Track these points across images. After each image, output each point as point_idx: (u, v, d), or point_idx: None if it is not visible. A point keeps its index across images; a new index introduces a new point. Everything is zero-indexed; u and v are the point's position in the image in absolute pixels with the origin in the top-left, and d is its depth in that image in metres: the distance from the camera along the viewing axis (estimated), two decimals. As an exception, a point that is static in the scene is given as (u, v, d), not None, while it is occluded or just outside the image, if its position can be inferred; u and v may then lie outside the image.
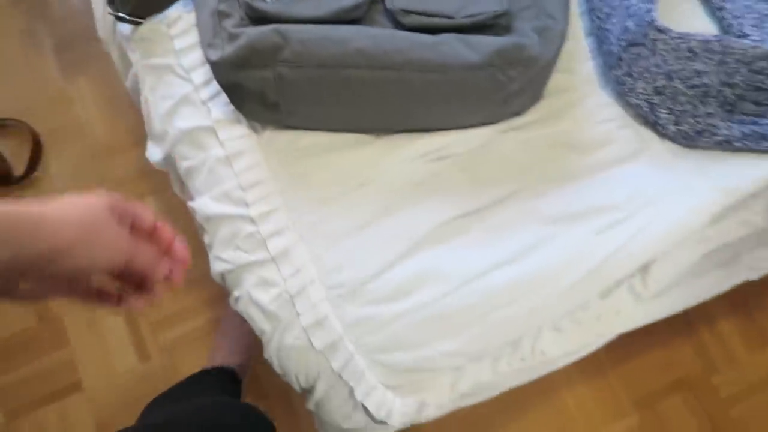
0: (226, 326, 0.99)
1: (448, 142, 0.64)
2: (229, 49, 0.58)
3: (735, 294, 1.08)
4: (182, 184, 0.77)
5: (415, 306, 0.60)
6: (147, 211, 0.39)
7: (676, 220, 0.58)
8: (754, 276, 0.86)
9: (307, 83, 0.58)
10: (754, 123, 0.60)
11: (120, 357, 1.01)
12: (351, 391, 0.61)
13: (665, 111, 0.61)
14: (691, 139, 0.61)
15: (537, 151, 0.64)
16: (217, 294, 1.03)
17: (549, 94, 0.65)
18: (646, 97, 0.61)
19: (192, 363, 1.00)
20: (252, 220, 0.64)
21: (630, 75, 0.61)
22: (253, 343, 0.94)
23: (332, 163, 0.64)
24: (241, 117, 0.66)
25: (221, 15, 0.60)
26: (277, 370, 0.65)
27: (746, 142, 0.59)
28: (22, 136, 1.10)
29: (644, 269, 0.64)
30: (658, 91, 0.61)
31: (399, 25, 0.60)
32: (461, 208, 0.62)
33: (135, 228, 0.39)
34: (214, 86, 0.66)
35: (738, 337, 1.07)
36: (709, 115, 0.60)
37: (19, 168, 1.07)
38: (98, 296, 0.39)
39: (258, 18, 0.59)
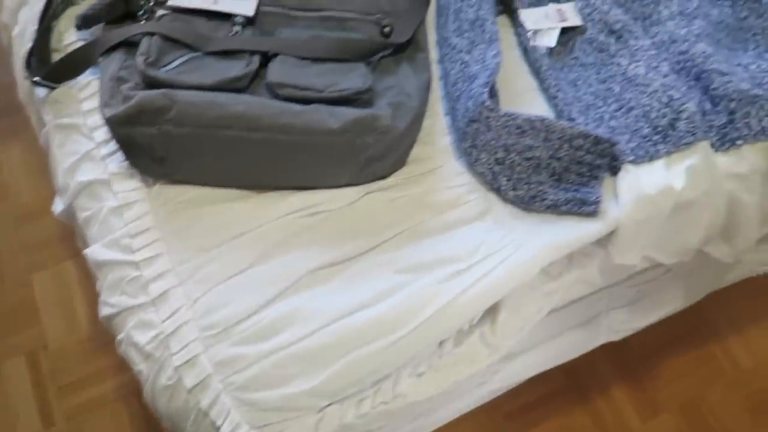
0: None
1: (321, 199, 0.72)
2: (121, 108, 0.66)
3: (623, 360, 1.14)
4: (83, 236, 0.82)
5: (279, 345, 0.64)
6: None
7: (509, 272, 0.66)
8: (615, 338, 0.94)
9: (189, 141, 0.67)
10: (576, 191, 0.70)
11: (24, 421, 0.99)
12: (218, 430, 0.63)
13: (505, 178, 0.71)
14: (526, 203, 0.71)
15: (399, 210, 0.72)
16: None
17: (412, 161, 0.75)
18: (489, 166, 0.71)
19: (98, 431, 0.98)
20: (137, 266, 0.69)
21: (475, 147, 0.72)
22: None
23: (214, 214, 0.70)
24: (135, 172, 0.73)
25: (120, 80, 0.69)
26: (154, 411, 0.67)
27: (570, 206, 0.69)
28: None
29: (493, 320, 0.71)
30: (498, 162, 0.71)
31: (276, 96, 0.69)
32: (328, 259, 0.69)
33: None
34: (114, 144, 0.73)
35: (630, 406, 1.12)
36: (540, 183, 0.70)
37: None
38: None
39: (151, 84, 0.68)
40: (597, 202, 0.69)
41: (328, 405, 0.66)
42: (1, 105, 1.25)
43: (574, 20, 0.82)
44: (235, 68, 0.70)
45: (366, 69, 0.73)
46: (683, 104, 0.72)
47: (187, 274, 0.68)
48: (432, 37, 0.84)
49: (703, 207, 0.73)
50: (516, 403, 1.06)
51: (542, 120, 0.69)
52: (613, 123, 0.74)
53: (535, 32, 0.81)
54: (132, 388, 1.03)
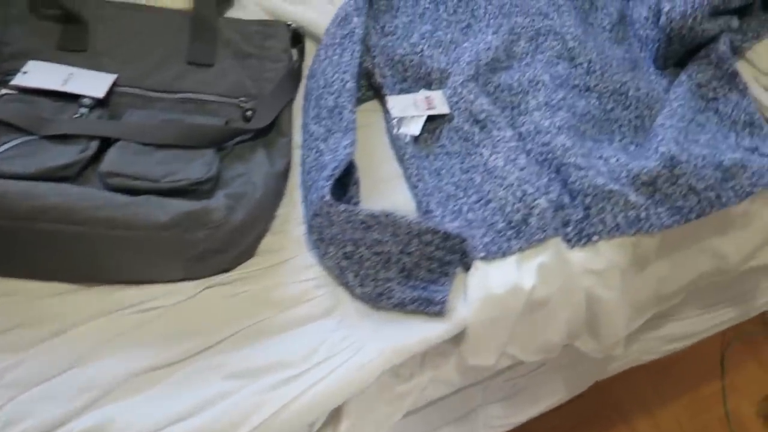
0: None
1: (156, 294, 0.67)
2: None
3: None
4: None
5: (87, 462, 0.58)
6: None
7: (346, 378, 0.62)
8: (494, 434, 0.90)
9: (2, 234, 0.61)
10: (424, 289, 0.67)
11: None
12: None
13: (352, 274, 0.67)
14: (373, 300, 0.67)
15: (240, 307, 0.67)
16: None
17: (262, 252, 0.71)
18: (337, 261, 0.68)
19: None
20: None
21: (322, 240, 0.68)
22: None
23: (32, 310, 0.65)
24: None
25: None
26: None
27: (416, 306, 0.66)
28: None
29: (335, 426, 0.65)
30: (346, 256, 0.68)
31: (107, 186, 0.65)
32: (155, 361, 0.63)
33: None
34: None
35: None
36: (388, 279, 0.67)
37: None
38: None
39: (-30, 171, 0.63)
40: (443, 302, 0.66)
41: None
42: None
43: (442, 108, 0.81)
44: (66, 155, 0.66)
45: (213, 156, 0.70)
46: (535, 200, 0.71)
47: (-5, 377, 0.62)
48: (299, 120, 0.82)
49: (560, 304, 0.70)
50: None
51: (387, 215, 0.66)
52: (470, 215, 0.72)
53: (400, 119, 0.80)
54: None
